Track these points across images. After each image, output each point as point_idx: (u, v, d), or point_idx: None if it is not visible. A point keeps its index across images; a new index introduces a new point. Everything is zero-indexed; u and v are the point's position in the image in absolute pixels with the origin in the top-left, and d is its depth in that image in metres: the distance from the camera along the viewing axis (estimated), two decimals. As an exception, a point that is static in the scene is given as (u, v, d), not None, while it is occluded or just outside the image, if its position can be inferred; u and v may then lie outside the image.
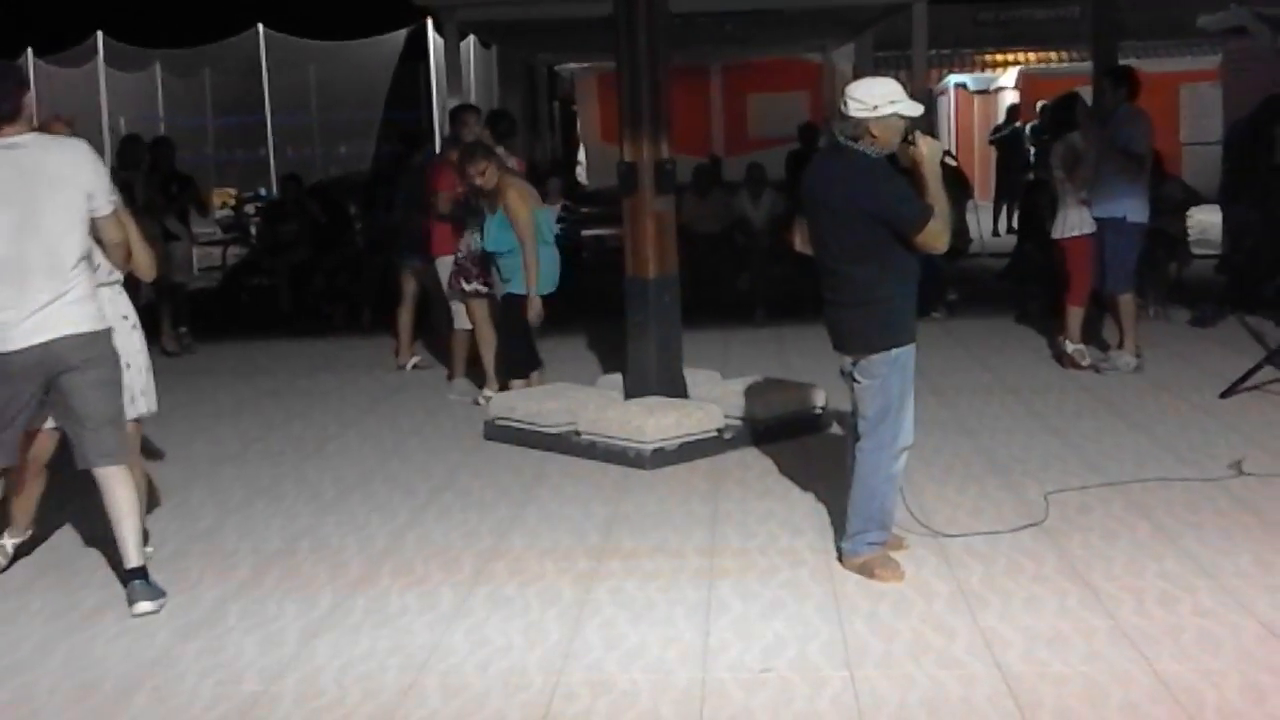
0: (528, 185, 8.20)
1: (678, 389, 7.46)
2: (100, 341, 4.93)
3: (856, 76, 18.96)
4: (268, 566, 5.42)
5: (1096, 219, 8.52)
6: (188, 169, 13.02)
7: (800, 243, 5.37)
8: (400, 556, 5.48)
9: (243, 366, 10.43)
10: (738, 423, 7.18)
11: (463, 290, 8.39)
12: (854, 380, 5.06)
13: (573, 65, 27.30)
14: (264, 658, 4.43)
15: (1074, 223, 8.62)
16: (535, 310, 7.77)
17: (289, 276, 12.96)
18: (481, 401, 8.22)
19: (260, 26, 22.34)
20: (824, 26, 20.25)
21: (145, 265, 5.26)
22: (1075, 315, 8.80)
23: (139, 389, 5.42)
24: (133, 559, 4.98)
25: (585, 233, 14.53)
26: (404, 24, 21.53)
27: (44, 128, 5.11)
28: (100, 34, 22.44)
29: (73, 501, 6.48)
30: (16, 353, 4.75)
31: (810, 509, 5.89)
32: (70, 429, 4.99)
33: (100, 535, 5.75)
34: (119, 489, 4.98)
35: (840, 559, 5.11)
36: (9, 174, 4.73)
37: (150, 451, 6.61)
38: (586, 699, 4.00)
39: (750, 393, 7.35)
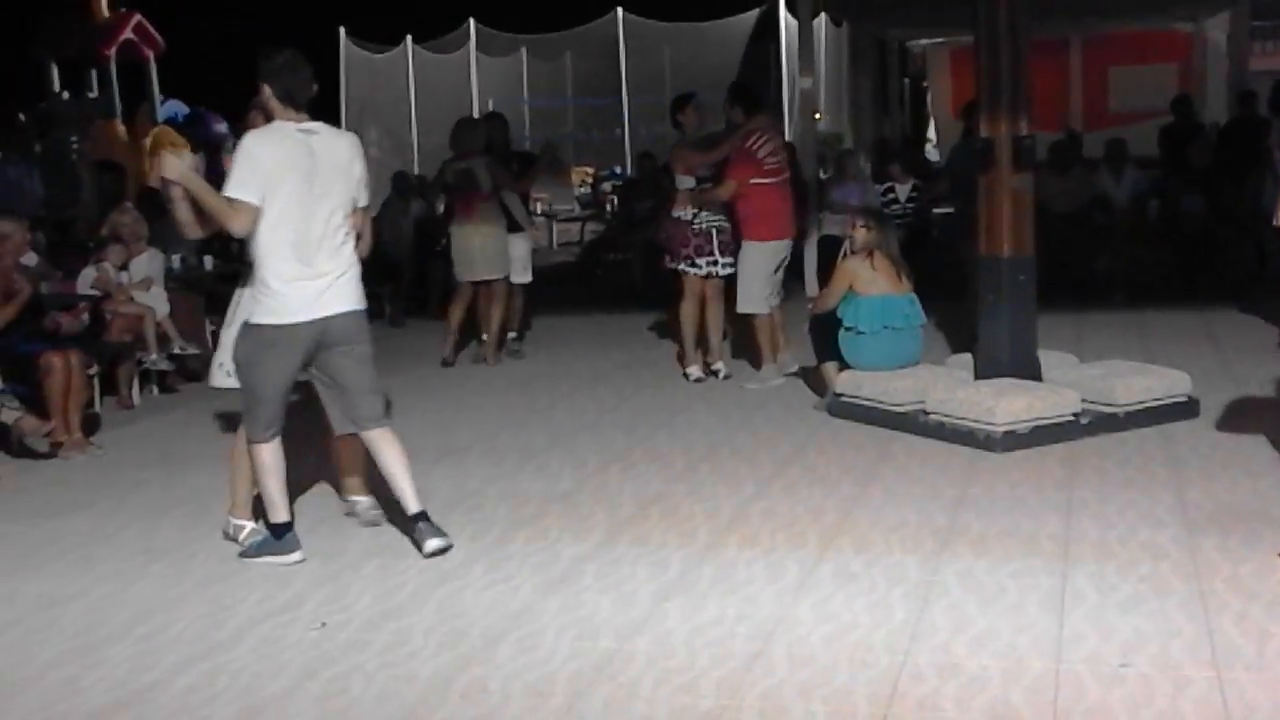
0: None
1: (1031, 371, 7.24)
2: (364, 319, 5.37)
3: (1231, 48, 17.80)
4: (621, 529, 5.62)
5: None
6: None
7: None
8: (747, 527, 5.57)
9: (598, 338, 10.82)
10: (1096, 408, 6.91)
11: (694, 262, 8.60)
12: None
13: (924, 41, 26.77)
14: (618, 617, 4.60)
15: None
16: None
17: (642, 252, 13.33)
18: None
19: (619, 10, 23.01)
20: (1197, -6, 19.08)
21: (367, 249, 5.59)
22: None
23: None
24: (413, 506, 5.37)
25: (935, 210, 14.26)
26: (757, 4, 21.71)
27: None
28: (472, 21, 23.69)
29: (444, 461, 6.92)
30: (294, 326, 5.16)
31: (1174, 502, 5.61)
32: (339, 398, 5.46)
33: (465, 495, 6.13)
34: (388, 447, 5.38)
35: None
36: (304, 156, 5.12)
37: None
38: (934, 681, 3.96)
39: (1110, 377, 7.06)
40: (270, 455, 5.31)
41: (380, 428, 5.40)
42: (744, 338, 9.00)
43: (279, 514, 5.36)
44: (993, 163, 7.20)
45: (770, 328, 8.59)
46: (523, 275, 10.08)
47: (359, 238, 5.40)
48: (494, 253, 9.64)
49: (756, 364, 8.74)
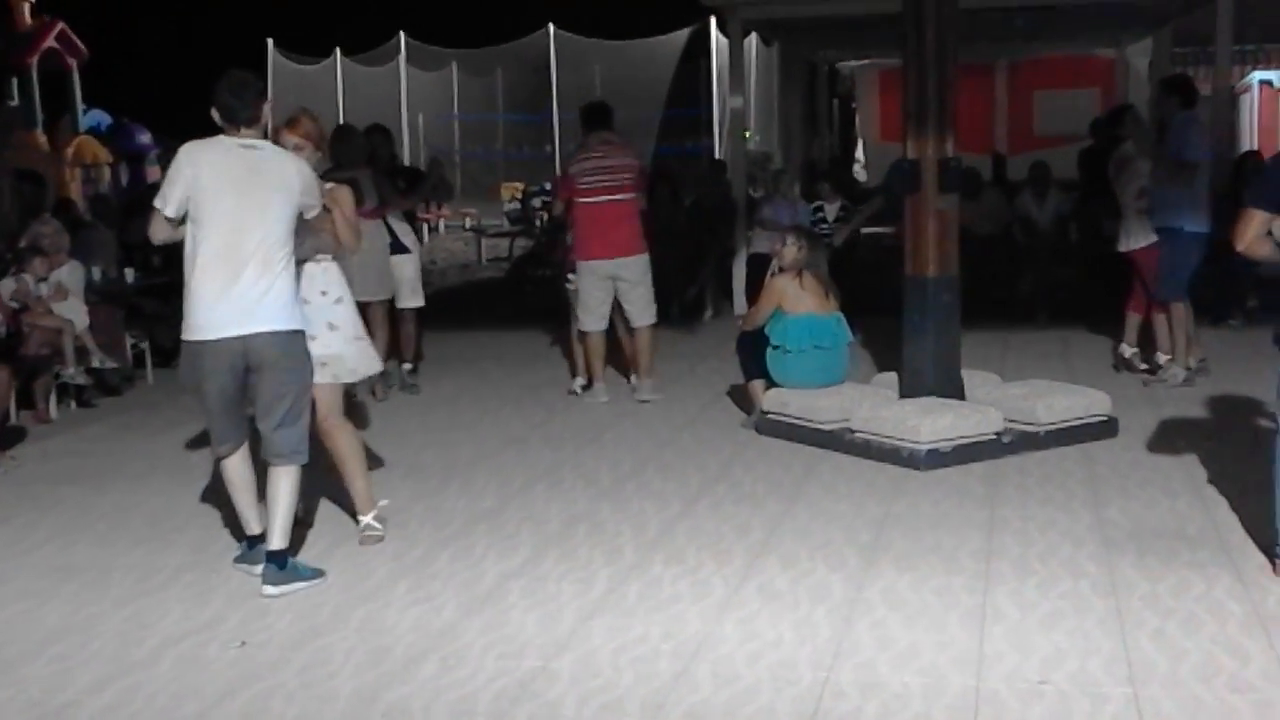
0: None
1: (955, 390, 7.32)
2: (295, 342, 5.19)
3: (1153, 73, 18.16)
4: (547, 547, 5.60)
5: (1156, 229, 8.45)
6: (478, 163, 13.48)
7: (1245, 242, 4.83)
8: (673, 545, 5.57)
9: (527, 355, 10.78)
10: (1018, 427, 7.00)
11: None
12: None
13: (853, 62, 27.08)
14: (543, 635, 4.58)
15: (1138, 235, 8.62)
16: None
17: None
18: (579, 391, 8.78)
19: (551, 26, 23.03)
20: (1120, 21, 19.42)
21: (350, 245, 5.68)
22: (1133, 321, 8.89)
23: (343, 356, 5.63)
24: (274, 543, 5.17)
25: (862, 230, 14.38)
26: (688, 23, 21.84)
27: (282, 132, 5.63)
28: (402, 35, 23.59)
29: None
30: (217, 341, 5.05)
31: (1093, 520, 5.69)
32: (257, 419, 5.25)
33: (388, 513, 6.05)
34: (285, 485, 5.20)
35: (1274, 565, 4.91)
36: (242, 169, 5.08)
37: (359, 420, 6.57)
38: (856, 699, 3.98)
39: (1031, 396, 7.15)
40: (232, 470, 5.28)
41: (285, 465, 5.20)
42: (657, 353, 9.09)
43: (249, 527, 5.36)
44: (918, 184, 7.29)
45: (600, 349, 8.73)
46: (412, 299, 9.24)
47: (334, 238, 5.53)
48: (373, 274, 8.43)
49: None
